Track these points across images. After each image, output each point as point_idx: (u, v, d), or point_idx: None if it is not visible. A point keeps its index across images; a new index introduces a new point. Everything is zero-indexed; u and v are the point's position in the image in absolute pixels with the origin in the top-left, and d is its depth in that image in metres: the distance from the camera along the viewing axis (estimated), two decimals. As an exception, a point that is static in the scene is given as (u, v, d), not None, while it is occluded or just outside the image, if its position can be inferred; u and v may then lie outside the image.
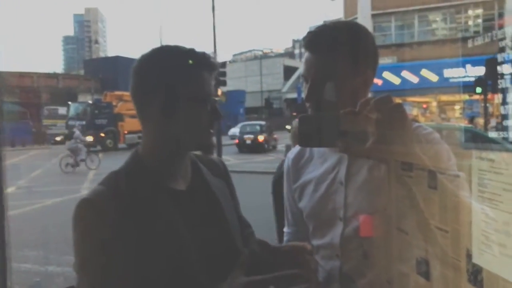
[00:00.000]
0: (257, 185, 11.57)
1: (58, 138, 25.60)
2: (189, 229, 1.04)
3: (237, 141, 22.92)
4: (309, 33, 1.23)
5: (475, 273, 0.63)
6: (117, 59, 45.27)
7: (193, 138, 1.08)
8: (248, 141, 22.38)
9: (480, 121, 15.73)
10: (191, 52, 1.07)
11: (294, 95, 38.02)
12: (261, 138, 22.31)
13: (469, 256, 0.65)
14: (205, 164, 1.21)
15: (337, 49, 1.17)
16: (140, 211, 0.99)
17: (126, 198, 0.99)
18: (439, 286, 0.74)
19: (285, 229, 1.43)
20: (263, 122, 25.44)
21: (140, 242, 0.96)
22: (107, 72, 42.46)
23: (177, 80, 1.04)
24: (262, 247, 1.11)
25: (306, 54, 1.23)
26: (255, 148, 21.98)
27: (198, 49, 1.09)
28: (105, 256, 0.94)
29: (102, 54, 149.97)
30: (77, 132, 17.00)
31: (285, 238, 1.42)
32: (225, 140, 22.14)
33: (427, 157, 0.80)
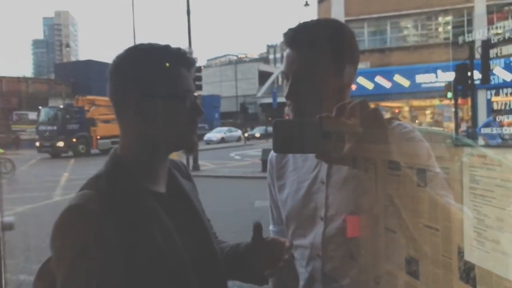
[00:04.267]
0: (236, 190, 11.52)
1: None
2: (178, 233, 1.01)
3: None
4: (290, 29, 1.20)
5: (467, 271, 0.63)
6: (89, 63, 44.51)
7: (172, 138, 1.04)
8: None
9: (451, 125, 16.09)
10: (166, 48, 1.04)
11: (269, 100, 38.09)
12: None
13: (460, 253, 0.64)
14: (172, 166, 1.16)
15: (319, 46, 1.15)
16: (133, 215, 0.95)
17: (116, 202, 0.95)
18: (429, 284, 0.73)
19: (271, 228, 1.42)
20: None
21: (138, 246, 0.93)
22: (78, 76, 41.66)
23: (151, 77, 1.01)
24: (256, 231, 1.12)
25: (287, 51, 1.20)
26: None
27: None
28: (103, 261, 0.89)
29: (73, 58, 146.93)
30: None
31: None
32: (201, 145, 21.91)
33: (407, 156, 0.80)
